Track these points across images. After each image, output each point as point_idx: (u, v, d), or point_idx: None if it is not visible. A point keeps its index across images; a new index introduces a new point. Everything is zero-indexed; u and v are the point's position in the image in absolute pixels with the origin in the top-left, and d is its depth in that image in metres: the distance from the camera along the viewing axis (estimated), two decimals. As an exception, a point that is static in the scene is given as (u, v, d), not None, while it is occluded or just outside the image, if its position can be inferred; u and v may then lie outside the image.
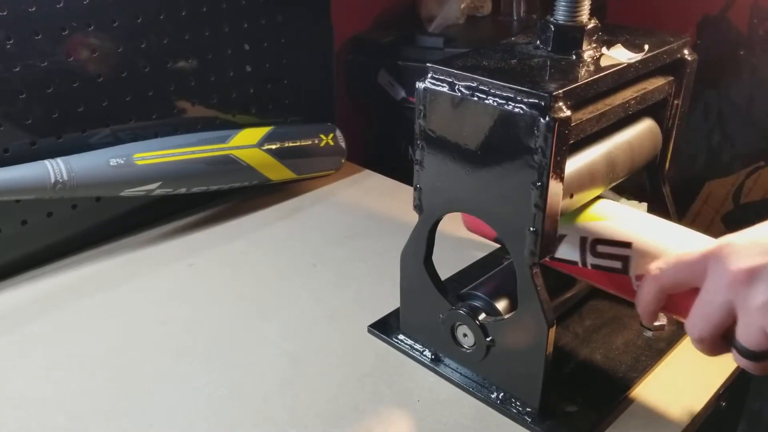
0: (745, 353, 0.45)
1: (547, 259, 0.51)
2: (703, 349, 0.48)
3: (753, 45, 1.32)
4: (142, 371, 0.60)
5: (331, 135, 0.91)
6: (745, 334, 0.44)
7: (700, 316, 0.46)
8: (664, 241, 0.51)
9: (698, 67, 0.58)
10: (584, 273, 0.54)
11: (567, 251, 0.54)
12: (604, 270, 0.53)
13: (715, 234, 0.48)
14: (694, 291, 0.47)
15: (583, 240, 0.54)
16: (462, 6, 1.18)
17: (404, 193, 0.90)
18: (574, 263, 0.54)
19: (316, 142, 0.89)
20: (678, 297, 0.49)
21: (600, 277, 0.54)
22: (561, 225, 0.51)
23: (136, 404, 0.56)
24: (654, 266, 0.49)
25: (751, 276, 0.43)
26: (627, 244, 0.52)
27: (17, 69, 0.67)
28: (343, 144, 0.92)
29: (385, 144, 1.21)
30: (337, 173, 0.94)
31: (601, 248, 0.53)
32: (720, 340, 0.46)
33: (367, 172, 0.97)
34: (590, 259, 0.53)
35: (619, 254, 0.52)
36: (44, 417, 0.55)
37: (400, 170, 0.92)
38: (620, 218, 0.54)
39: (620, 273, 0.52)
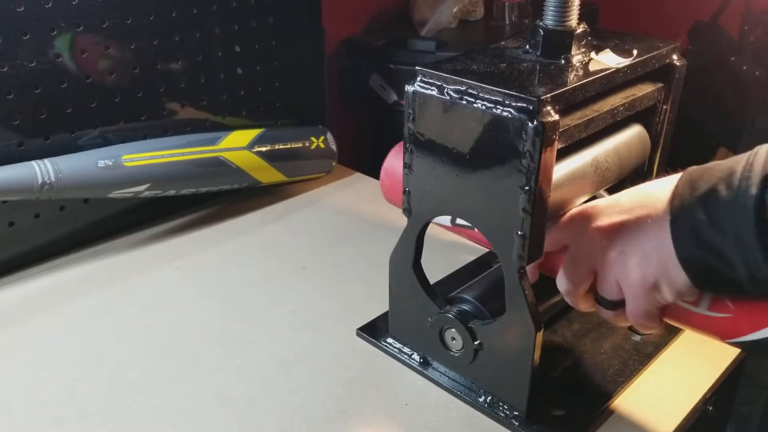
0: (603, 303, 0.50)
1: (449, 224, 0.54)
2: (572, 302, 0.52)
3: (744, 51, 1.32)
4: (128, 375, 0.59)
5: (322, 138, 0.91)
6: (601, 285, 0.49)
7: (567, 271, 0.51)
8: None
9: (689, 73, 0.58)
10: (473, 235, 0.56)
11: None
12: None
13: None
14: (566, 249, 0.51)
15: None
16: (454, 10, 1.18)
17: (395, 196, 0.90)
18: (469, 228, 0.55)
19: (307, 144, 0.89)
20: (552, 256, 0.53)
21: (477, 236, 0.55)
22: None
23: (122, 408, 0.56)
24: None
25: (608, 233, 0.48)
26: None
27: (5, 69, 0.67)
28: (334, 147, 0.92)
29: (377, 147, 1.20)
30: (328, 176, 0.94)
31: None
32: (587, 294, 0.51)
33: (358, 175, 0.97)
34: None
35: None
36: (28, 419, 0.54)
37: (391, 173, 0.92)
38: None
39: None
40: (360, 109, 1.21)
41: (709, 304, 0.47)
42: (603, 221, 0.48)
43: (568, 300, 0.52)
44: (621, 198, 0.49)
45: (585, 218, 0.50)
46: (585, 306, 0.52)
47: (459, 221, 0.55)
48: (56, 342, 0.63)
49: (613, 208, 0.49)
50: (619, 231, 0.47)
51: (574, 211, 0.51)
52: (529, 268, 0.53)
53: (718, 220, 0.42)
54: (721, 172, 0.43)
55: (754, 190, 0.40)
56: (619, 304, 0.49)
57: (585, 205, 0.51)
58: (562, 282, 0.51)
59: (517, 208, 0.47)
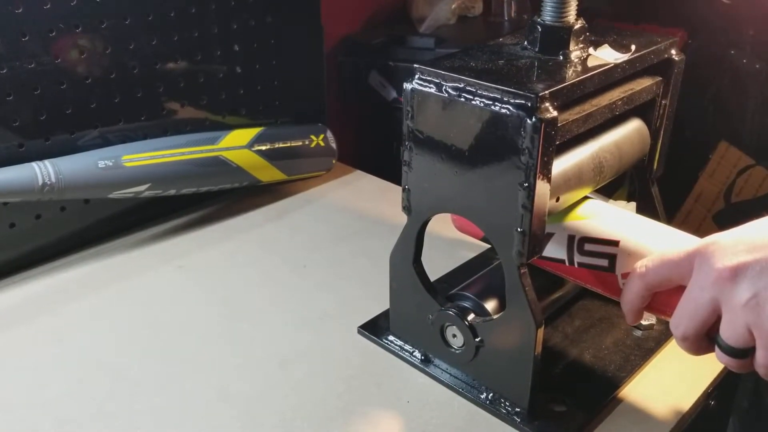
0: (728, 351, 0.45)
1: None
2: (687, 348, 0.48)
3: (743, 45, 1.32)
4: (130, 374, 0.59)
5: (322, 136, 0.91)
6: (729, 332, 0.44)
7: (685, 313, 0.46)
8: (651, 240, 0.51)
9: (689, 68, 0.58)
10: (570, 271, 0.55)
11: (554, 249, 0.55)
12: (590, 268, 0.53)
13: (707, 233, 0.49)
14: (679, 289, 0.47)
15: (570, 238, 0.54)
16: (453, 7, 1.18)
17: (395, 194, 0.90)
18: (561, 261, 0.54)
19: (307, 143, 0.89)
20: (662, 295, 0.49)
21: (586, 275, 0.54)
22: (549, 224, 0.51)
23: (124, 408, 0.56)
24: (640, 264, 0.49)
25: (736, 273, 0.43)
26: (614, 243, 0.52)
27: (4, 71, 0.67)
28: (333, 145, 0.92)
29: (377, 145, 1.20)
30: (328, 174, 0.94)
31: (588, 246, 0.53)
32: (704, 338, 0.47)
33: (359, 173, 0.97)
34: (577, 257, 0.54)
35: (605, 252, 0.52)
36: (30, 421, 0.54)
37: (392, 171, 0.92)
38: (607, 217, 0.54)
39: (606, 271, 0.52)
40: (360, 107, 1.21)
41: None
42: (729, 260, 0.43)
43: (681, 345, 0.48)
44: (748, 233, 0.44)
45: (705, 255, 0.45)
46: (701, 352, 0.48)
47: (577, 260, 0.53)
48: (58, 343, 0.63)
49: (739, 245, 0.44)
50: (750, 272, 0.42)
51: (691, 247, 0.47)
52: (634, 309, 0.50)
53: None
54: None
55: None
56: (747, 353, 0.44)
57: (704, 241, 0.46)
58: (678, 325, 0.47)
59: (516, 205, 0.47)
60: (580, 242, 0.53)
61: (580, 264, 0.53)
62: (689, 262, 0.46)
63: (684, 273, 0.47)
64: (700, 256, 0.46)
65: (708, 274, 0.44)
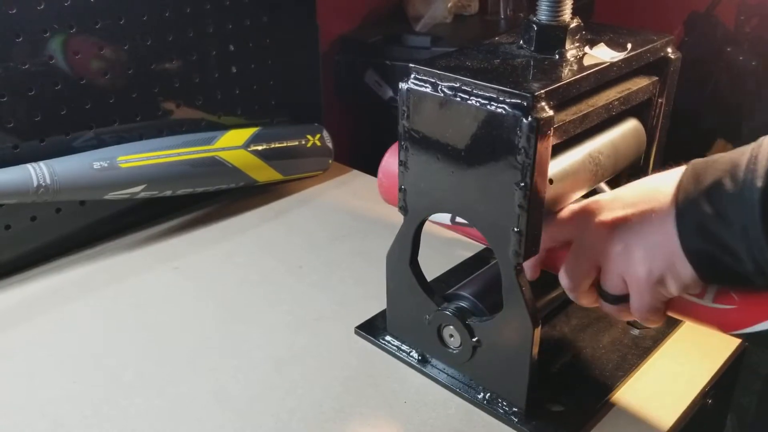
0: (606, 298, 0.50)
1: (448, 223, 0.55)
2: (576, 298, 0.52)
3: (740, 42, 1.32)
4: (126, 376, 0.59)
5: (318, 135, 0.90)
6: (606, 280, 0.49)
7: (570, 267, 0.50)
8: None
9: (685, 65, 0.58)
10: (471, 232, 0.56)
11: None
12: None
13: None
14: (568, 246, 0.51)
15: None
16: (449, 5, 1.18)
17: (392, 193, 0.90)
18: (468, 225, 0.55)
19: (303, 142, 0.89)
20: (554, 252, 0.52)
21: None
22: None
23: (119, 410, 0.55)
24: None
25: (612, 227, 0.47)
26: None
27: (-2, 72, 0.67)
28: (330, 144, 0.92)
29: (373, 144, 1.20)
30: (325, 174, 0.93)
31: None
32: (591, 290, 0.51)
33: (355, 172, 0.97)
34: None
35: None
36: (26, 423, 0.54)
37: (388, 170, 0.92)
38: None
39: None
40: (356, 106, 1.21)
41: (714, 296, 0.47)
42: (606, 216, 0.48)
43: (571, 296, 0.52)
44: (624, 192, 0.49)
45: (587, 213, 0.49)
46: (588, 302, 0.52)
47: (458, 219, 0.54)
48: (53, 344, 0.63)
49: (616, 202, 0.48)
50: (623, 226, 0.47)
51: (575, 206, 0.51)
52: (530, 265, 0.53)
53: (724, 213, 0.41)
54: (725, 165, 0.42)
55: (759, 183, 0.40)
56: (622, 299, 0.49)
57: (587, 200, 0.50)
58: (564, 278, 0.51)
59: (512, 205, 0.47)
60: None
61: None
62: (574, 220, 0.50)
63: (569, 231, 0.50)
64: (582, 213, 0.50)
65: (588, 230, 0.49)
